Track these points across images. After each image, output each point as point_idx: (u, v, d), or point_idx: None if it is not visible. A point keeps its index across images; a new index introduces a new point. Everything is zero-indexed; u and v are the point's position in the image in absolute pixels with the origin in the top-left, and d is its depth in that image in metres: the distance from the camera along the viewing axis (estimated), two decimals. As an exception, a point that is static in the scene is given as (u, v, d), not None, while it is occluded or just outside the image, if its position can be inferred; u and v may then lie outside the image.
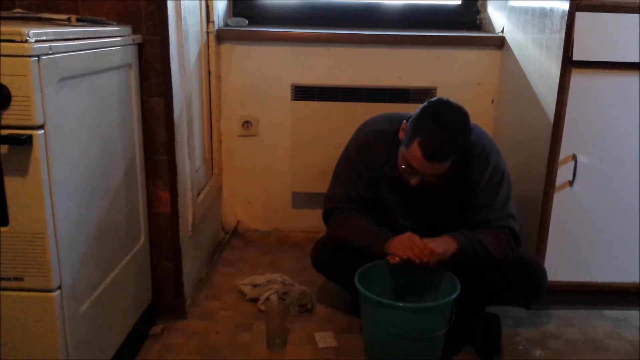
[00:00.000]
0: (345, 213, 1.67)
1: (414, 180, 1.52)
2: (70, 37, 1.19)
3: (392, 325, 1.45)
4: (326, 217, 1.73)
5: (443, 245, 1.51)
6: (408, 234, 1.54)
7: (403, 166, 1.53)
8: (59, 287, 1.16)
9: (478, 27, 2.41)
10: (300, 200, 2.42)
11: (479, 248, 1.54)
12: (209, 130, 2.20)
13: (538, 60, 1.85)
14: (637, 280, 1.83)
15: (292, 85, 2.24)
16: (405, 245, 1.51)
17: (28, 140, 1.05)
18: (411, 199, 1.64)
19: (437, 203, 1.63)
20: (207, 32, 2.10)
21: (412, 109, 1.55)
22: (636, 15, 1.60)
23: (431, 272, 1.59)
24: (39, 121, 1.07)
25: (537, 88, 1.85)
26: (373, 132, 1.67)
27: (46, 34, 1.10)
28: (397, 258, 1.50)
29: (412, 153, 1.46)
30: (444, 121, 1.46)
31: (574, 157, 1.72)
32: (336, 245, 1.73)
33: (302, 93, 2.24)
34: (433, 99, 1.53)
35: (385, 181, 1.66)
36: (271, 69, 2.26)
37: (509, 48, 2.16)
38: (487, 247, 1.54)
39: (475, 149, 1.59)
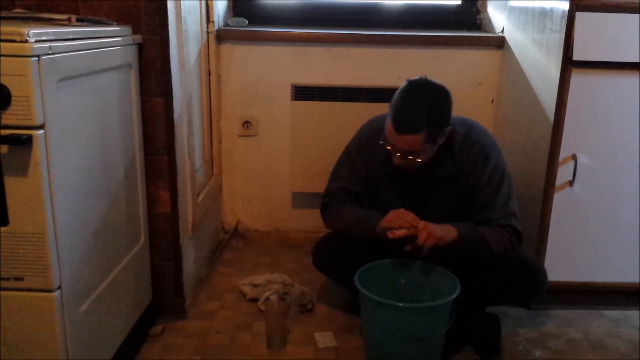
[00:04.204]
0: (340, 203, 1.69)
1: (396, 159, 1.54)
2: (70, 37, 1.19)
3: (392, 325, 1.45)
4: (323, 210, 1.75)
5: (443, 230, 1.50)
6: (400, 209, 1.54)
7: (384, 143, 1.55)
8: (59, 287, 1.16)
9: (478, 27, 2.41)
10: (300, 200, 2.42)
11: (479, 240, 1.53)
12: (209, 130, 2.20)
13: (538, 60, 1.85)
14: (637, 280, 1.83)
15: (292, 85, 2.24)
16: (398, 216, 1.52)
17: (28, 141, 1.05)
18: (412, 198, 1.64)
19: (438, 202, 1.64)
20: (207, 32, 2.10)
21: (412, 109, 1.55)
22: (636, 15, 1.60)
23: (431, 270, 1.60)
24: (39, 121, 1.07)
25: (537, 88, 1.85)
26: (375, 131, 1.67)
27: (46, 34, 1.10)
28: (396, 232, 1.49)
29: (387, 128, 1.51)
30: (414, 96, 1.50)
31: (574, 157, 1.72)
32: (337, 244, 1.74)
33: (302, 93, 2.23)
34: (414, 78, 1.55)
35: (386, 179, 1.66)
36: (271, 69, 2.26)
37: (509, 48, 2.16)
38: (488, 241, 1.53)
39: (475, 147, 1.59)
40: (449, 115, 1.53)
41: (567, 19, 1.61)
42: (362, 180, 1.69)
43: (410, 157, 1.52)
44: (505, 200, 1.58)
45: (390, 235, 1.50)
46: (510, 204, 1.59)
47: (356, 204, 1.69)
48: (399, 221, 1.51)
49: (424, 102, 1.49)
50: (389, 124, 1.50)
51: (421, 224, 1.49)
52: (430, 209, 1.63)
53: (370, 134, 1.68)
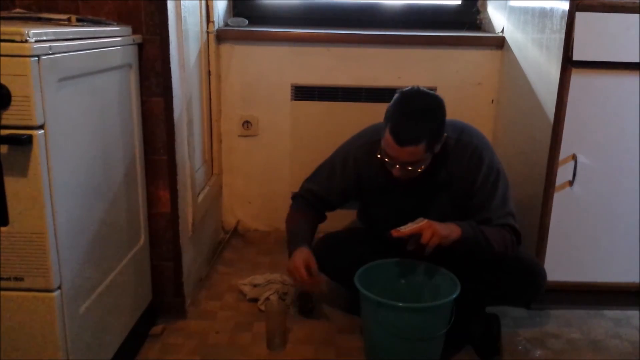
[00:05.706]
0: (300, 206, 1.76)
1: (395, 171, 1.53)
2: (70, 37, 1.19)
3: (392, 325, 1.45)
4: (292, 199, 1.82)
5: (447, 228, 1.49)
6: (300, 262, 1.59)
7: (381, 156, 1.54)
8: (59, 287, 1.16)
9: (478, 27, 2.41)
10: (300, 200, 2.42)
11: (482, 240, 1.53)
12: (209, 130, 2.20)
13: (538, 60, 1.85)
14: (637, 280, 1.83)
15: (292, 85, 2.24)
16: (292, 269, 1.60)
17: (28, 140, 1.05)
18: (407, 208, 1.62)
19: (433, 209, 1.62)
20: (207, 32, 2.10)
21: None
22: (636, 15, 1.60)
23: (431, 270, 1.59)
24: (39, 121, 1.07)
25: (537, 88, 1.85)
26: (363, 146, 1.67)
27: (46, 34, 1.10)
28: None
29: (386, 141, 1.49)
30: (411, 107, 1.49)
31: (574, 157, 1.72)
32: (337, 243, 1.75)
33: (302, 93, 2.24)
34: (405, 89, 1.54)
35: (378, 193, 1.67)
36: (271, 69, 2.26)
37: (509, 48, 2.16)
38: (490, 241, 1.53)
39: (467, 150, 1.59)
40: (445, 123, 1.53)
41: (567, 19, 1.61)
42: (336, 191, 1.73)
43: (410, 168, 1.51)
44: (502, 200, 1.58)
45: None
46: (508, 203, 1.59)
47: (321, 209, 1.77)
48: (295, 275, 1.59)
49: (422, 112, 1.48)
50: (388, 137, 1.48)
51: (425, 222, 1.48)
52: (426, 216, 1.60)
53: (358, 150, 1.68)
